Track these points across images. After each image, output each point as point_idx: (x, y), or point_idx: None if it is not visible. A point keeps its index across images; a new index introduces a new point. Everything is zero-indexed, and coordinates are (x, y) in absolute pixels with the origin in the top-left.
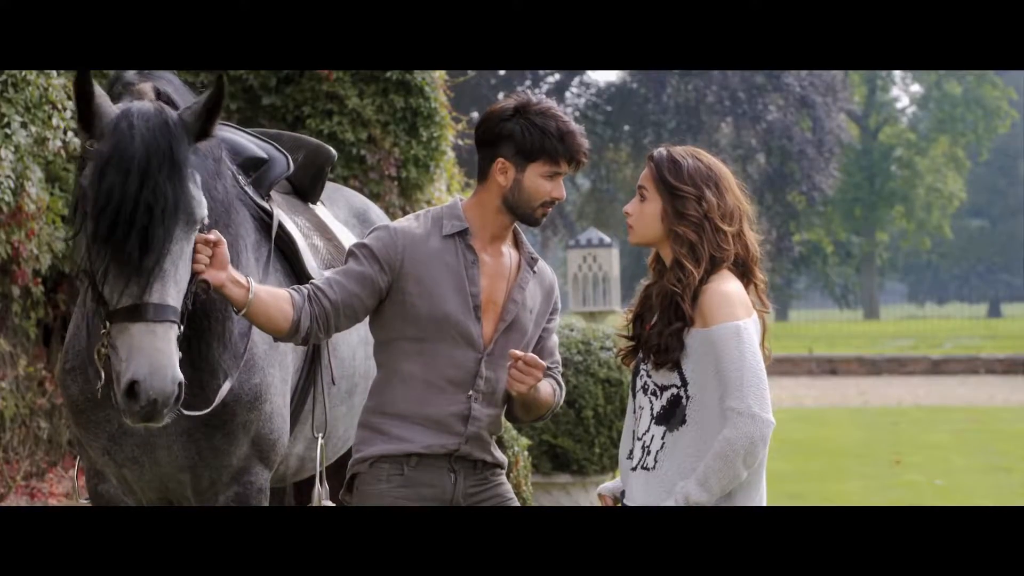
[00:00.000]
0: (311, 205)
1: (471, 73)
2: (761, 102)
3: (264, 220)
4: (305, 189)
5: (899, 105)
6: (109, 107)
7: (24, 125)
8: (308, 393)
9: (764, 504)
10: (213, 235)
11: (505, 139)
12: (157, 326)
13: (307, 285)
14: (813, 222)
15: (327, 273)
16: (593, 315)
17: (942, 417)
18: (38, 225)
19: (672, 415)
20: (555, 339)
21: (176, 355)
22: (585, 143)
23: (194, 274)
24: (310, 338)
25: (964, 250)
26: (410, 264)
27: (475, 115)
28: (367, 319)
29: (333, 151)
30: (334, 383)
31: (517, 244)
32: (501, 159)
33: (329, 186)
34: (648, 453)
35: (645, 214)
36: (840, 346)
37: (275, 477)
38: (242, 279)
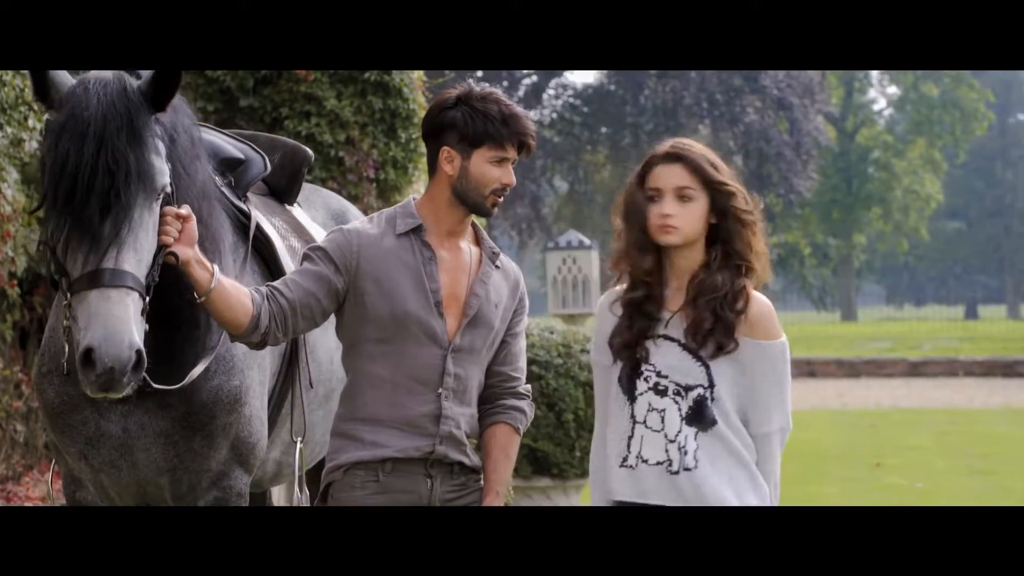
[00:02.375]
0: (288, 207)
1: (449, 74)
2: (739, 104)
3: (241, 221)
4: (282, 190)
5: (876, 107)
6: (66, 77)
7: (0, 127)
8: (285, 397)
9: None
10: (184, 209)
11: (448, 128)
12: (112, 291)
13: (264, 286)
14: (790, 224)
15: (285, 276)
16: (573, 317)
17: (922, 419)
18: (14, 227)
19: (702, 416)
20: (522, 344)
21: (135, 321)
22: (530, 125)
23: (161, 247)
24: (268, 338)
25: (941, 252)
26: (366, 264)
27: None
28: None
29: (310, 152)
30: (312, 386)
31: (477, 240)
32: (446, 148)
33: (307, 187)
34: (686, 454)
35: (692, 214)
36: (818, 348)
37: (252, 482)
38: (208, 263)
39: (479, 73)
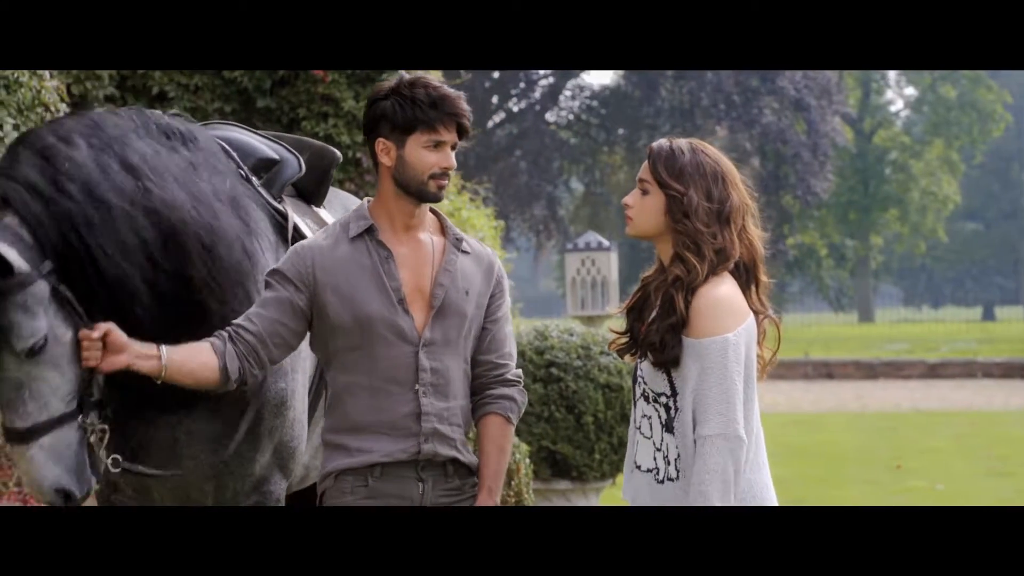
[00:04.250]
0: (315, 208)
1: (466, 75)
2: (756, 105)
3: (279, 222)
4: (310, 192)
5: (893, 108)
6: None
7: (17, 127)
8: (319, 399)
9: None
10: (98, 329)
11: (380, 120)
12: (17, 448)
13: (227, 328)
14: (807, 225)
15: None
16: (592, 319)
17: (941, 422)
18: None
19: (671, 425)
20: (507, 329)
21: (45, 467)
22: (462, 105)
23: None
24: (247, 379)
25: (958, 253)
26: (323, 275)
27: None
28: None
29: (338, 153)
30: None
31: (443, 231)
32: (380, 140)
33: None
34: (668, 463)
35: (646, 207)
36: (836, 350)
37: None
38: (151, 350)
39: (496, 74)
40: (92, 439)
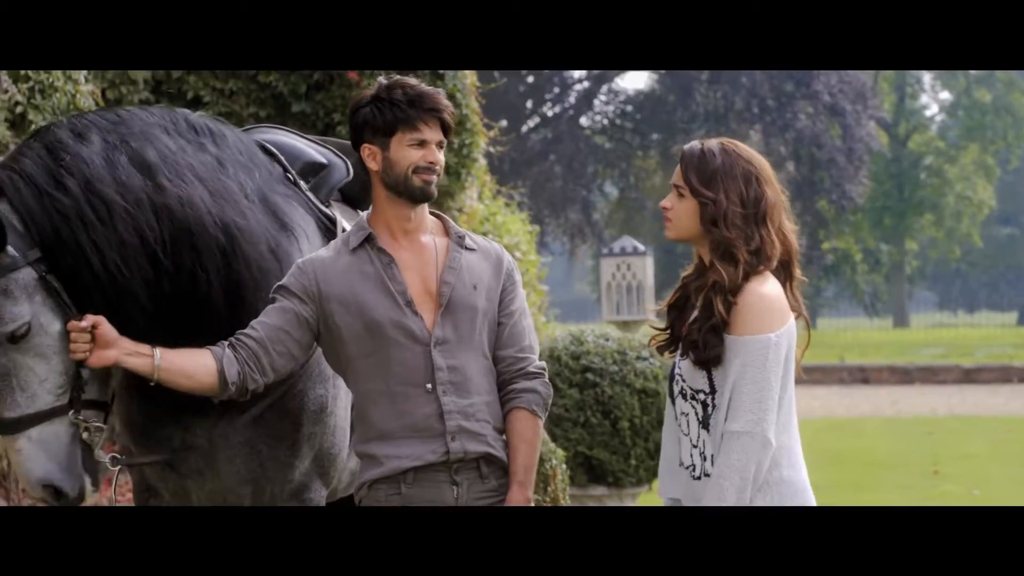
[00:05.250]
0: (360, 213)
1: (501, 80)
2: (790, 110)
3: (327, 227)
4: (356, 196)
5: (928, 113)
6: None
7: None
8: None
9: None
10: (87, 320)
11: (364, 126)
12: (8, 439)
13: (235, 336)
14: (842, 230)
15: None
16: (627, 324)
17: (977, 427)
18: None
19: (708, 422)
20: (526, 323)
21: (33, 459)
22: (441, 101)
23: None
24: (247, 384)
25: (993, 258)
26: (327, 287)
27: (504, 123)
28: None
29: None
30: None
31: (446, 231)
32: (366, 145)
33: None
34: (704, 460)
35: (682, 211)
36: (871, 355)
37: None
38: (143, 348)
39: (530, 79)
40: (90, 438)
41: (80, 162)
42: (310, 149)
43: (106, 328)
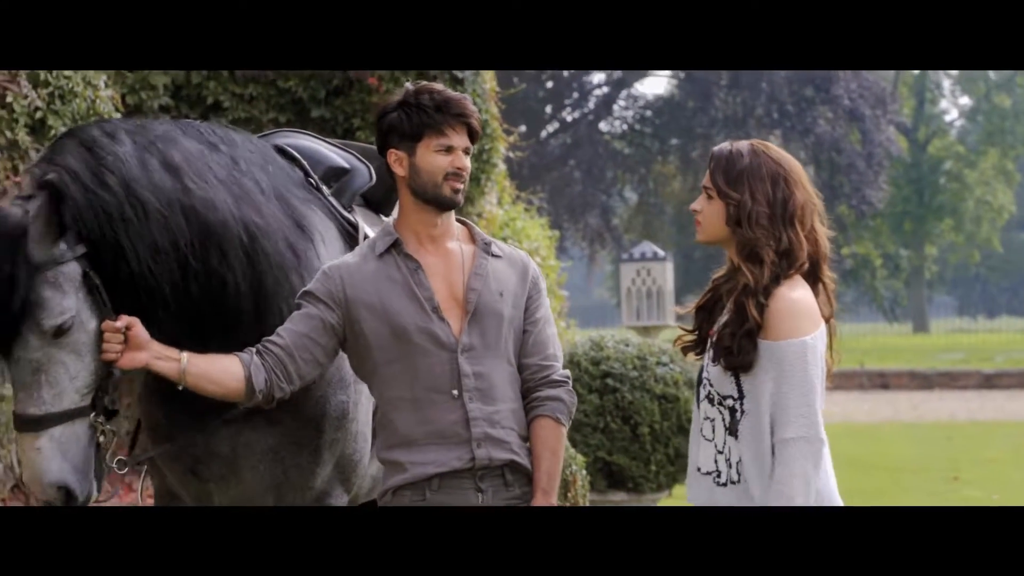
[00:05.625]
0: (383, 217)
1: (521, 85)
2: (810, 115)
3: (349, 232)
4: (378, 201)
5: (948, 118)
6: None
7: None
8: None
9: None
10: (122, 320)
11: (390, 131)
12: (26, 436)
13: (260, 344)
14: (862, 235)
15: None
16: (647, 329)
17: (998, 432)
18: None
19: (736, 428)
20: (550, 331)
21: (51, 459)
22: (468, 106)
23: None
24: (274, 392)
25: (1013, 263)
26: (353, 292)
27: (523, 128)
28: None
29: None
30: None
31: (472, 238)
32: (392, 151)
33: None
34: (730, 466)
35: (711, 213)
36: (890, 360)
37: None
38: (172, 352)
39: (549, 84)
40: (105, 442)
41: (119, 161)
42: (332, 153)
43: (139, 330)
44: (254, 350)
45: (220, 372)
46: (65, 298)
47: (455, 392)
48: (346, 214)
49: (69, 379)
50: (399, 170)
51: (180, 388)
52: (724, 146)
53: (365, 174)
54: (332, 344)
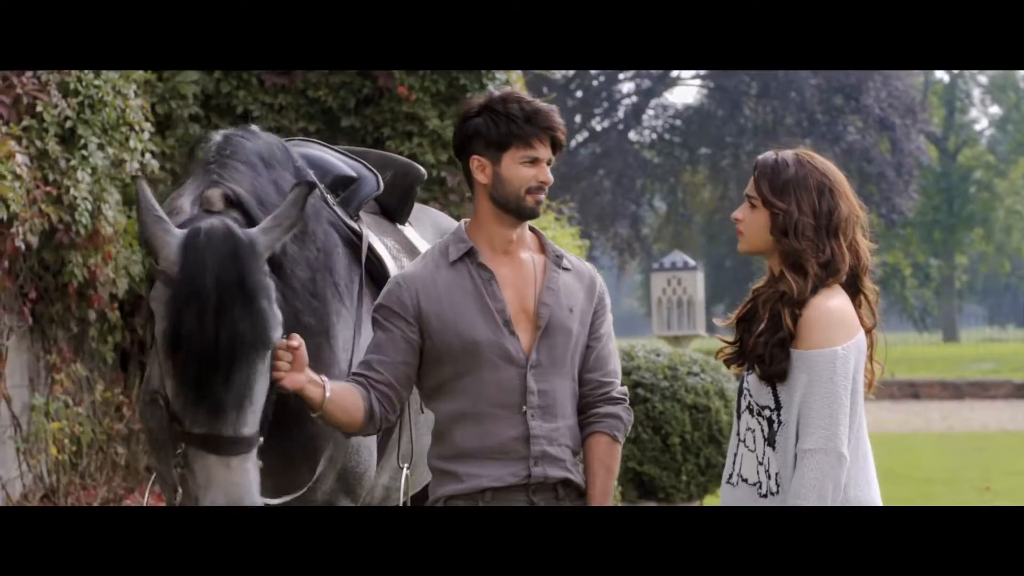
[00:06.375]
0: (399, 226)
1: (550, 94)
2: (840, 123)
3: (354, 241)
4: (393, 209)
5: (978, 127)
6: (169, 229)
7: (101, 147)
8: (395, 423)
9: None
10: (295, 340)
11: (474, 137)
12: (233, 459)
13: (355, 375)
14: (892, 244)
15: (365, 357)
16: (678, 339)
17: None
18: (115, 248)
19: (774, 439)
20: (611, 347)
21: (255, 483)
22: (556, 119)
23: (274, 380)
24: (381, 424)
25: None
26: (427, 304)
27: None
28: None
29: (423, 170)
30: (423, 411)
31: (543, 249)
32: (475, 157)
33: (415, 207)
34: (769, 478)
35: (754, 223)
36: (921, 370)
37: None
38: (317, 378)
39: (579, 93)
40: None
41: (267, 184)
42: (340, 163)
43: (304, 350)
44: (364, 382)
45: (352, 405)
46: (276, 310)
47: (519, 408)
48: (351, 223)
49: (263, 398)
50: (481, 177)
51: (315, 416)
52: (769, 155)
53: (372, 183)
54: (418, 360)
